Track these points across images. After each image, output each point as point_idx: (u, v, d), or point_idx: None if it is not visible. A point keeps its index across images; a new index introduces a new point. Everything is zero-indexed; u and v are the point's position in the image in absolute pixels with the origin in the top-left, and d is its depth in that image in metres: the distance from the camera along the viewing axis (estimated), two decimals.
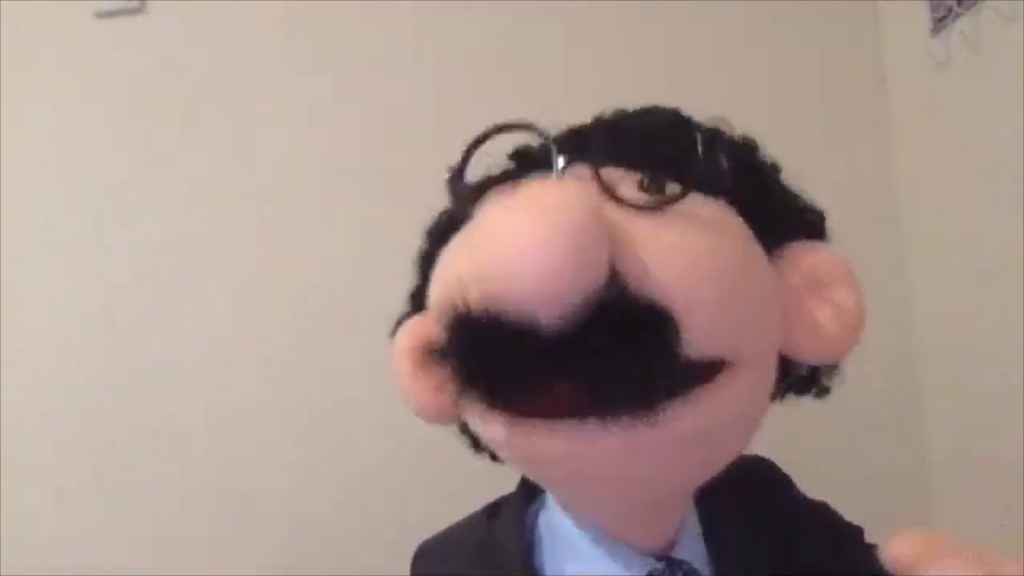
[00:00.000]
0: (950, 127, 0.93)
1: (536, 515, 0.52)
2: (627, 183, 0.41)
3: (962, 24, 0.87)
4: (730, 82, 1.06)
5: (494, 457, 0.51)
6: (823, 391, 0.50)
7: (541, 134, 0.42)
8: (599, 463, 0.39)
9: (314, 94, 1.12)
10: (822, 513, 0.54)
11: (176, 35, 1.13)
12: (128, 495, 1.07)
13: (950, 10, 0.88)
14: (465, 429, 0.51)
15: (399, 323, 0.51)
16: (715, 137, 0.45)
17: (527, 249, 0.34)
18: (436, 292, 0.43)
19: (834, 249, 0.46)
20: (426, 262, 0.49)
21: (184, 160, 1.11)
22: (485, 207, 0.39)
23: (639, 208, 0.39)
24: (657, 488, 0.44)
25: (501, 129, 0.43)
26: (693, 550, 0.48)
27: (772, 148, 0.49)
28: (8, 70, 1.12)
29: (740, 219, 0.43)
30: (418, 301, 0.50)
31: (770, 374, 0.44)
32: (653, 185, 0.41)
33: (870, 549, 0.51)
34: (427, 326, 0.45)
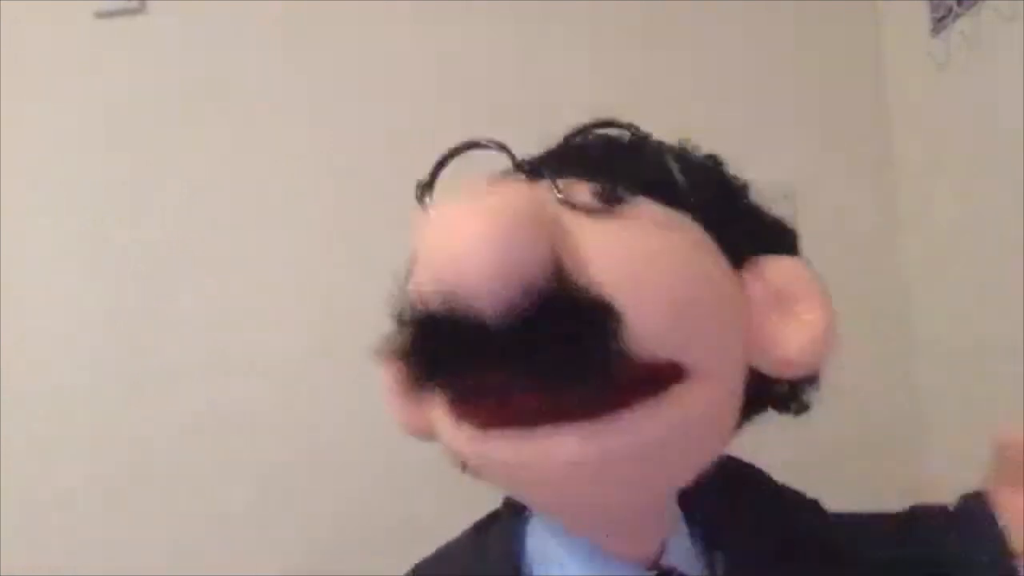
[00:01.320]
0: (950, 127, 0.93)
1: (525, 529, 0.51)
2: (582, 190, 0.41)
3: (962, 24, 0.87)
4: (730, 82, 1.06)
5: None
6: (802, 408, 0.49)
7: (504, 149, 0.43)
8: (554, 473, 0.39)
9: (314, 94, 1.12)
10: (795, 497, 0.54)
11: (176, 35, 1.13)
12: (128, 495, 1.07)
13: (950, 10, 0.89)
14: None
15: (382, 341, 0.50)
16: (676, 152, 0.45)
17: (466, 241, 0.34)
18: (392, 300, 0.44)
19: (800, 263, 0.45)
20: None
21: (184, 160, 1.11)
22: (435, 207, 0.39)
23: (590, 211, 0.40)
24: (623, 499, 0.43)
25: (468, 147, 0.44)
26: (682, 555, 0.47)
27: (772, 148, 0.50)
28: (8, 70, 1.12)
29: (698, 227, 0.43)
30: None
31: (733, 385, 0.43)
32: (606, 193, 0.41)
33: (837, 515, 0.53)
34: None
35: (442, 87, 1.10)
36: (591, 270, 0.36)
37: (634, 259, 0.38)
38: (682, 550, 0.48)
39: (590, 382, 0.36)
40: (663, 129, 0.51)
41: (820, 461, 0.87)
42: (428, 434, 0.48)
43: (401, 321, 0.39)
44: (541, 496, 0.45)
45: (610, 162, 0.43)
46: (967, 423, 0.92)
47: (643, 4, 1.08)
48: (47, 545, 1.06)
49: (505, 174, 0.44)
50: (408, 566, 0.57)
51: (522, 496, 0.48)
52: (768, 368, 0.43)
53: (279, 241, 1.10)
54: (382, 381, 0.49)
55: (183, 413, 1.07)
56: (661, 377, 0.39)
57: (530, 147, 0.51)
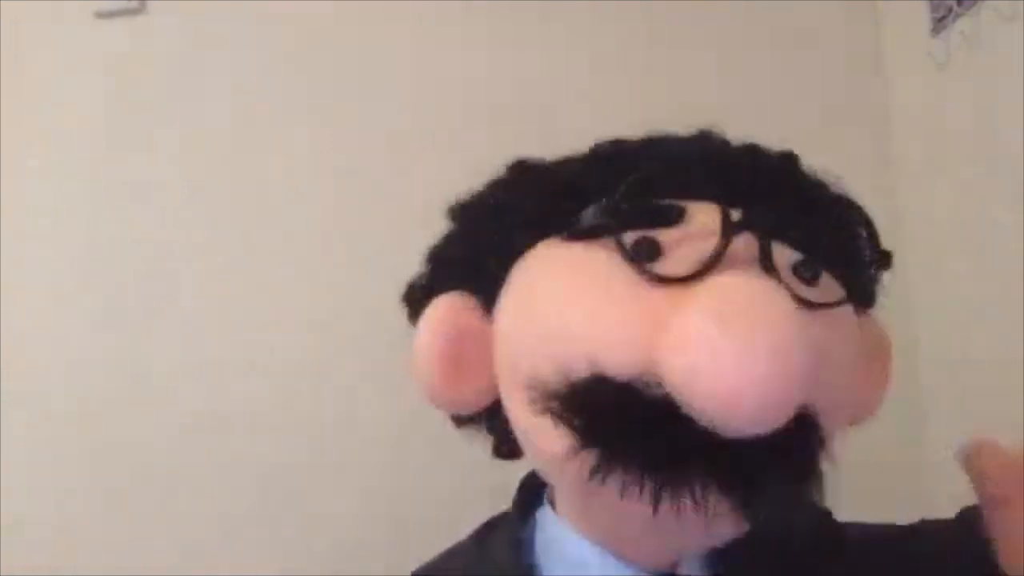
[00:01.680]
0: (950, 127, 0.93)
1: (532, 534, 0.51)
2: (785, 267, 0.41)
3: (962, 24, 0.87)
4: (730, 82, 1.06)
5: (498, 452, 0.51)
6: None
7: (682, 170, 0.42)
8: (668, 536, 0.41)
9: (314, 94, 1.12)
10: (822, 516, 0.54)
11: (176, 35, 1.13)
12: (128, 495, 1.07)
13: (950, 10, 0.88)
14: (491, 424, 0.50)
15: (417, 289, 0.49)
16: (866, 222, 0.44)
17: (761, 382, 0.33)
18: (557, 335, 0.40)
19: (882, 328, 0.50)
20: (477, 237, 0.47)
21: (184, 160, 1.11)
22: (684, 303, 0.36)
23: (806, 305, 0.39)
24: (705, 543, 0.45)
25: (641, 167, 0.41)
26: (697, 565, 0.47)
27: (772, 147, 0.49)
28: (8, 70, 1.12)
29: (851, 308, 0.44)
30: (453, 271, 0.48)
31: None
32: (809, 271, 0.41)
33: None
34: (466, 315, 0.44)
35: (442, 87, 1.10)
36: (814, 390, 0.37)
37: (838, 375, 0.40)
38: (696, 559, 0.47)
39: (791, 493, 0.38)
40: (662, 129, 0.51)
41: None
42: (459, 407, 0.47)
43: (611, 396, 0.37)
44: (619, 530, 0.45)
45: (806, 217, 0.43)
46: (968, 423, 0.92)
47: (642, 4, 1.08)
48: (47, 545, 1.06)
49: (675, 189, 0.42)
50: (409, 567, 0.56)
51: (586, 515, 0.46)
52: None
53: (279, 241, 1.10)
54: (424, 340, 0.45)
55: (183, 413, 1.07)
56: None
57: (530, 148, 0.50)
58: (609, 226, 0.40)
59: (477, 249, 0.47)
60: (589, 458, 0.37)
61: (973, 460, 0.39)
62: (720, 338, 0.34)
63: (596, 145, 0.48)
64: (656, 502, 0.36)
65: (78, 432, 1.07)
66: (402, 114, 1.10)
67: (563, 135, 0.49)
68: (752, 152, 0.47)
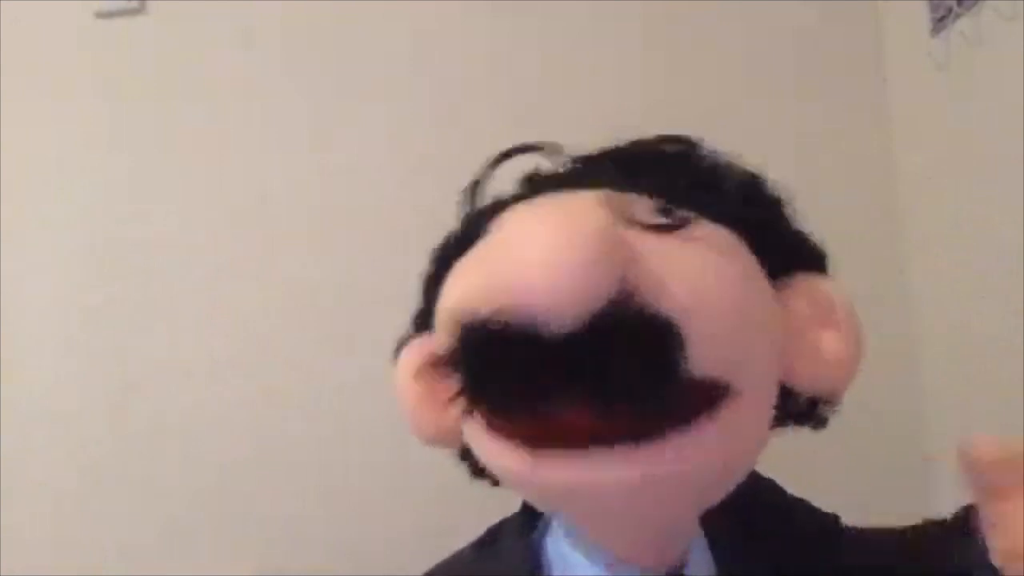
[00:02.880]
0: (950, 127, 0.93)
1: (540, 540, 0.51)
2: (641, 207, 0.42)
3: (962, 24, 0.87)
4: (730, 82, 1.06)
5: (495, 482, 0.51)
6: (820, 423, 0.50)
7: (558, 152, 0.44)
8: (602, 497, 0.40)
9: (314, 94, 1.12)
10: (807, 510, 0.54)
11: (176, 35, 1.13)
12: (128, 496, 1.07)
13: (950, 10, 0.88)
14: (466, 454, 0.51)
15: (401, 345, 0.50)
16: (724, 166, 0.45)
17: (542, 256, 0.34)
18: (445, 303, 0.43)
19: (833, 282, 0.46)
20: (431, 285, 0.49)
21: (184, 160, 1.11)
22: (502, 217, 0.40)
23: (651, 228, 0.40)
24: (662, 516, 0.44)
25: (521, 150, 0.43)
26: (703, 567, 0.47)
27: (772, 147, 0.50)
28: (8, 70, 1.12)
29: (746, 250, 0.44)
30: (422, 323, 0.50)
31: (771, 404, 0.44)
32: (665, 210, 0.42)
33: (850, 530, 0.52)
34: (431, 346, 0.46)
35: (443, 87, 1.10)
36: (655, 291, 0.37)
37: (695, 281, 0.38)
38: (702, 563, 0.48)
39: (646, 402, 0.37)
40: (663, 130, 0.51)
41: (819, 460, 0.87)
42: (446, 442, 0.48)
43: (459, 330, 0.38)
44: (579, 512, 0.45)
45: (666, 174, 0.44)
46: (968, 422, 0.92)
47: (643, 4, 1.08)
48: (47, 546, 1.06)
49: (558, 180, 0.44)
50: (404, 566, 0.56)
51: (555, 508, 0.48)
52: (799, 385, 0.45)
53: (280, 241, 1.10)
54: (401, 385, 0.48)
55: (182, 413, 1.07)
56: (712, 397, 0.39)
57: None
58: (474, 218, 0.44)
59: (431, 295, 0.49)
60: (460, 402, 0.40)
61: (970, 454, 0.38)
62: (513, 227, 0.38)
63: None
64: (504, 417, 0.39)
65: (78, 432, 1.07)
66: (402, 114, 1.10)
67: (563, 135, 0.49)
68: (637, 143, 0.49)
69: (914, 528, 0.54)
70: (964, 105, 0.89)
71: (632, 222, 0.40)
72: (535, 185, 0.48)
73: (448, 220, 0.51)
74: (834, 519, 0.53)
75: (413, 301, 0.52)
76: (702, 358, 0.37)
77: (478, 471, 0.52)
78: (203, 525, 1.06)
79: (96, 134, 1.12)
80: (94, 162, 1.12)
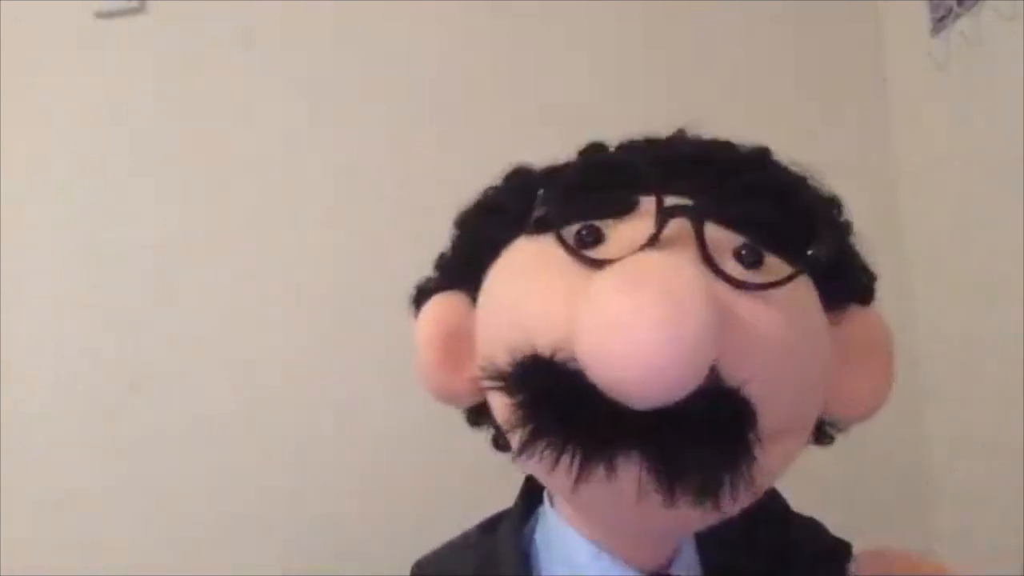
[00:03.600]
0: (950, 127, 0.93)
1: (533, 531, 0.52)
2: (726, 251, 0.41)
3: (962, 24, 0.87)
4: (730, 82, 1.06)
5: (496, 444, 0.51)
6: (827, 441, 0.51)
7: (634, 168, 0.43)
8: (636, 519, 0.41)
9: (314, 93, 1.12)
10: (814, 530, 0.54)
11: (176, 35, 1.13)
12: (128, 496, 1.07)
13: (950, 10, 0.88)
14: (474, 415, 0.51)
15: (422, 292, 0.50)
16: (809, 195, 0.45)
17: (651, 349, 0.33)
18: (510, 317, 0.42)
19: (879, 316, 0.47)
20: (468, 241, 0.49)
21: (184, 160, 1.11)
22: (596, 276, 0.37)
23: (739, 286, 0.39)
24: (685, 531, 0.45)
25: (595, 163, 0.44)
26: (689, 567, 0.48)
27: (771, 147, 0.49)
28: (8, 70, 1.12)
29: (815, 292, 0.43)
30: (449, 274, 0.50)
31: (808, 434, 0.45)
32: (751, 256, 0.41)
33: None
34: (459, 312, 0.46)
35: (443, 87, 1.10)
36: (737, 365, 0.37)
37: (775, 354, 0.38)
38: (688, 561, 0.48)
39: (710, 481, 0.36)
40: (663, 130, 0.51)
41: (820, 460, 0.87)
42: (456, 402, 0.48)
43: (534, 369, 0.38)
44: (602, 523, 0.46)
45: (750, 201, 0.42)
46: (968, 421, 0.92)
47: (643, 4, 1.08)
48: (47, 545, 1.06)
49: (629, 180, 0.42)
50: (408, 564, 0.57)
51: (572, 506, 0.47)
52: (834, 416, 0.46)
53: (280, 240, 1.10)
54: (421, 339, 0.47)
55: (183, 413, 1.07)
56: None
57: (531, 144, 0.50)
58: (550, 218, 0.42)
59: (468, 250, 0.49)
60: (520, 433, 0.38)
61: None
62: (612, 305, 0.35)
63: (583, 148, 0.50)
64: (577, 474, 0.37)
65: (78, 431, 1.07)
66: (403, 114, 1.10)
67: (563, 134, 0.49)
68: (708, 146, 0.48)
69: None
70: (964, 105, 0.89)
71: (723, 276, 0.39)
72: (599, 172, 0.45)
73: (448, 220, 0.51)
74: (843, 545, 0.53)
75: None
76: (767, 425, 0.38)
77: (477, 422, 0.52)
78: (204, 526, 1.06)
79: (96, 134, 1.12)
80: (94, 162, 1.12)
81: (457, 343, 0.46)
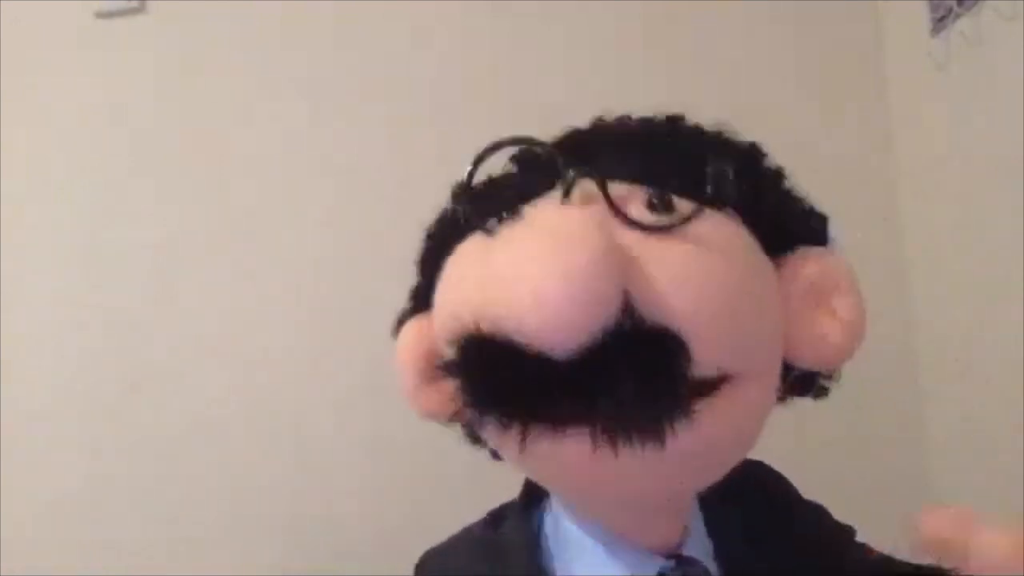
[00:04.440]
0: (950, 127, 0.93)
1: (542, 518, 0.52)
2: (635, 200, 0.41)
3: (962, 24, 0.87)
4: (730, 82, 1.06)
5: (495, 455, 0.52)
6: (821, 392, 0.50)
7: (544, 148, 0.43)
8: (602, 477, 0.40)
9: (314, 93, 1.12)
10: (817, 513, 0.55)
11: (176, 35, 1.13)
12: (128, 496, 1.07)
13: (950, 10, 0.88)
14: (470, 428, 0.51)
15: (400, 321, 0.51)
16: (723, 147, 0.45)
17: (543, 288, 0.34)
18: (445, 309, 0.44)
19: (835, 255, 0.46)
20: (428, 262, 0.49)
21: (184, 160, 1.11)
22: (498, 237, 0.39)
23: (649, 229, 0.40)
24: (660, 496, 0.44)
25: (501, 145, 0.43)
26: (701, 547, 0.48)
27: (772, 148, 0.49)
28: (8, 70, 1.12)
29: (745, 231, 0.43)
30: (419, 299, 0.50)
31: (773, 384, 0.44)
32: (661, 202, 0.41)
33: (862, 547, 0.52)
34: (430, 332, 0.46)
35: (443, 87, 1.10)
36: (656, 303, 0.37)
37: (699, 288, 0.38)
38: (699, 541, 0.48)
39: (652, 418, 0.37)
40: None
41: (820, 460, 0.87)
42: (444, 418, 0.48)
43: (461, 345, 0.39)
44: (578, 495, 0.46)
45: (652, 155, 0.43)
46: (968, 421, 0.92)
47: (643, 4, 1.08)
48: (47, 545, 1.06)
49: (550, 164, 0.43)
50: (404, 565, 0.57)
51: (553, 490, 0.48)
52: (803, 361, 0.44)
53: (279, 240, 1.10)
54: (401, 364, 0.48)
55: (183, 413, 1.07)
56: (712, 385, 0.39)
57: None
58: (466, 214, 0.44)
59: (427, 272, 0.49)
60: (467, 412, 0.40)
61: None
62: (504, 257, 0.37)
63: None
64: (520, 436, 0.38)
65: (77, 431, 1.07)
66: (403, 114, 1.10)
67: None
68: (628, 124, 0.49)
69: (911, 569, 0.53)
70: (964, 105, 0.89)
71: (630, 223, 0.39)
72: (523, 166, 0.47)
73: None
74: (847, 530, 0.53)
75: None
76: (705, 361, 0.38)
77: (477, 440, 0.52)
78: (204, 526, 1.06)
79: (96, 134, 1.12)
80: (94, 162, 1.12)
81: (431, 364, 0.46)
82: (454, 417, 0.47)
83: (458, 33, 1.11)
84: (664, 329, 0.37)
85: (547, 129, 0.48)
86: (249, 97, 1.12)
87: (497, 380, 0.38)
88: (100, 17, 1.12)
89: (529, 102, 1.07)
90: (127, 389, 1.08)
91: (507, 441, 0.40)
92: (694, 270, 0.39)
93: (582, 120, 0.49)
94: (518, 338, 0.35)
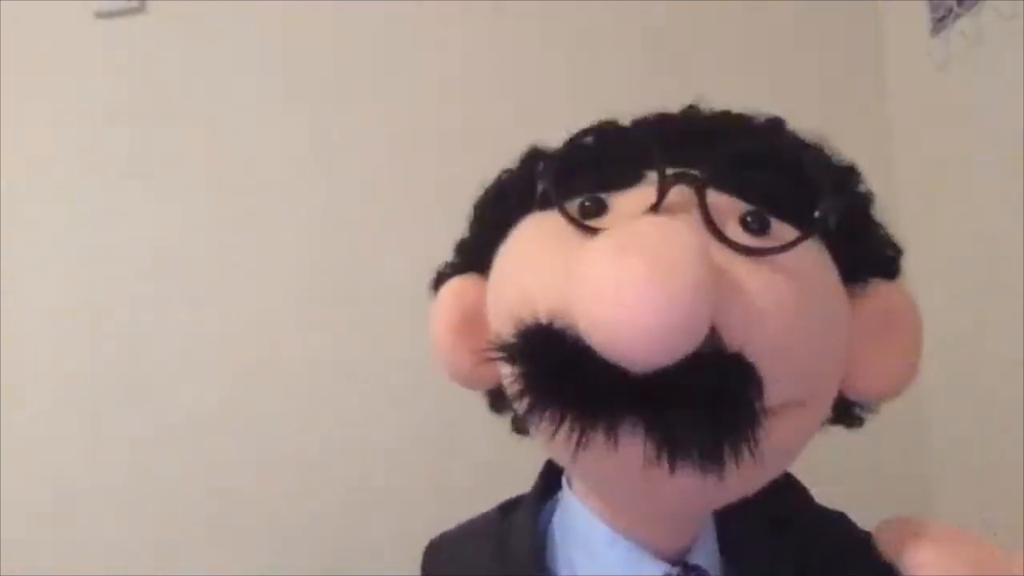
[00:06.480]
0: (950, 127, 0.93)
1: (550, 515, 0.51)
2: (731, 216, 0.40)
3: (962, 24, 0.87)
4: (730, 82, 1.06)
5: (517, 429, 0.51)
6: (856, 422, 0.50)
7: (642, 138, 0.43)
8: (645, 489, 0.40)
9: (314, 94, 1.12)
10: (839, 523, 0.54)
11: (176, 35, 1.13)
12: (128, 496, 1.07)
13: (950, 10, 0.88)
14: (495, 399, 0.51)
15: (442, 274, 0.50)
16: (826, 170, 0.44)
17: (641, 317, 0.33)
18: (511, 285, 0.43)
19: (905, 291, 0.46)
20: (485, 222, 0.49)
21: (184, 160, 1.12)
22: (589, 243, 0.37)
23: (743, 251, 0.39)
24: (694, 507, 0.45)
25: (594, 130, 0.43)
26: (708, 556, 0.47)
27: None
28: (8, 70, 1.12)
29: (830, 261, 0.43)
30: (466, 256, 0.50)
31: (826, 412, 0.44)
32: (757, 222, 0.40)
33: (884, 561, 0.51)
34: (474, 294, 0.46)
35: (442, 88, 1.10)
36: (741, 332, 0.36)
37: (782, 324, 0.38)
38: (707, 550, 0.47)
39: (714, 448, 0.36)
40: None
41: (820, 461, 0.87)
42: (477, 385, 0.48)
43: (534, 337, 0.38)
44: (613, 495, 0.45)
45: (753, 167, 0.42)
46: (968, 421, 0.92)
47: (643, 4, 1.08)
48: (47, 545, 1.06)
49: (632, 156, 0.42)
50: (399, 566, 0.56)
51: (592, 485, 0.47)
52: (855, 392, 0.44)
53: (279, 240, 1.10)
54: (438, 326, 0.47)
55: (183, 413, 1.07)
56: (774, 411, 0.39)
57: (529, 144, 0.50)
58: (549, 191, 0.43)
59: (481, 232, 0.49)
60: (524, 402, 0.38)
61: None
62: (602, 269, 0.35)
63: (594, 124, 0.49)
64: (576, 440, 0.37)
65: (78, 431, 1.07)
66: (403, 114, 1.10)
67: (563, 134, 0.49)
68: (717, 118, 0.48)
69: None
70: (964, 105, 0.89)
71: (725, 242, 0.39)
72: (608, 147, 0.45)
73: (448, 220, 0.51)
74: (867, 536, 0.53)
75: (415, 302, 0.51)
76: (775, 395, 0.38)
77: (499, 409, 0.52)
78: (204, 525, 1.06)
79: (96, 133, 1.12)
80: (94, 162, 1.12)
81: (472, 325, 0.46)
82: (483, 383, 0.47)
83: (458, 33, 1.11)
84: (742, 359, 0.36)
85: (547, 129, 0.48)
86: (249, 97, 1.12)
87: (563, 378, 0.37)
88: (100, 17, 1.13)
89: (529, 102, 1.07)
90: (127, 389, 1.08)
91: (559, 438, 0.39)
92: (782, 306, 0.38)
93: (582, 120, 0.49)
94: (601, 351, 0.35)
